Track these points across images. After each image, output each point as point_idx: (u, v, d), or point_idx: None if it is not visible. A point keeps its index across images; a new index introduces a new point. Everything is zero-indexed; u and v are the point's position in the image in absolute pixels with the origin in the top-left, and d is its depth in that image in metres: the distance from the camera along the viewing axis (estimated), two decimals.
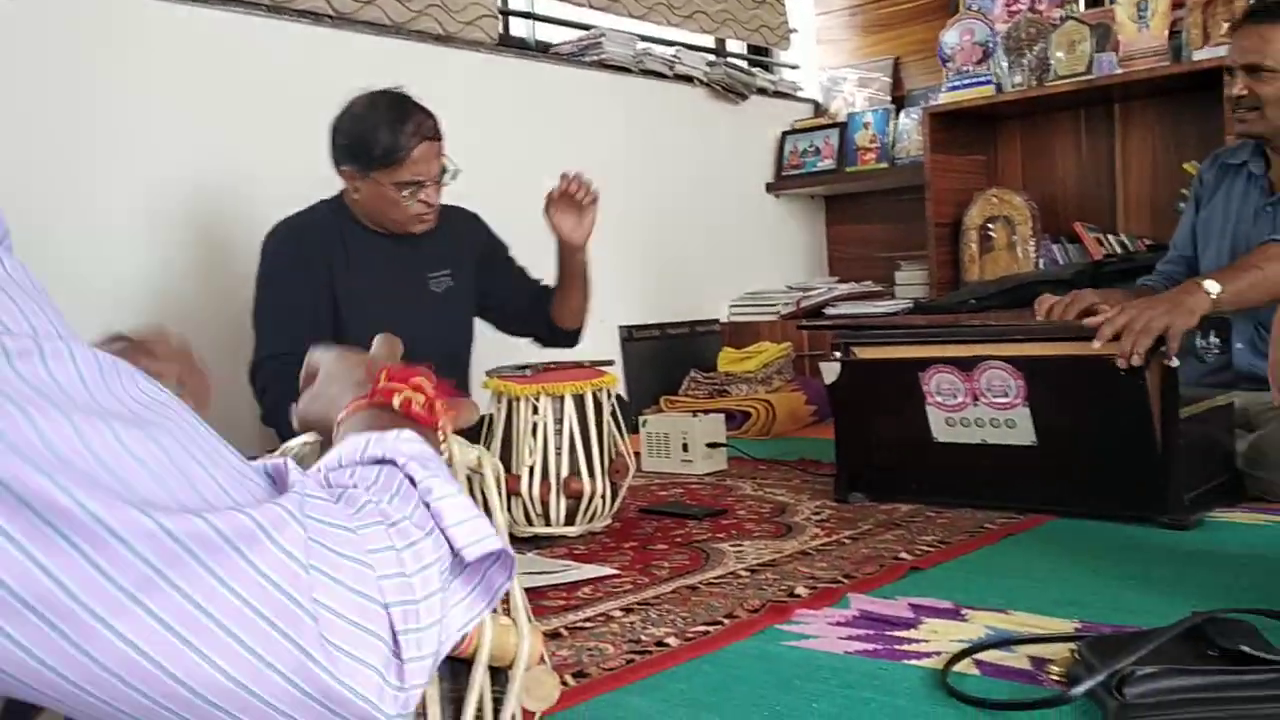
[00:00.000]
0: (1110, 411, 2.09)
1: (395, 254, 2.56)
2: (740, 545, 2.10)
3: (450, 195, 2.60)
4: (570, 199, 2.55)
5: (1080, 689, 1.18)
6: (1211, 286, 2.10)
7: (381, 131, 2.39)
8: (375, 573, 0.57)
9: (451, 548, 0.62)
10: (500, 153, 3.53)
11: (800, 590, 1.75)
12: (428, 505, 0.63)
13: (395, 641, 0.56)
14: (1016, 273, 3.97)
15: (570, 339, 2.79)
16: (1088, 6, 4.13)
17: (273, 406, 2.36)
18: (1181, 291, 2.12)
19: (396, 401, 0.77)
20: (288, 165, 2.95)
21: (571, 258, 2.64)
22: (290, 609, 0.52)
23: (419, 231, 2.52)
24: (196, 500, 0.52)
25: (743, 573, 1.89)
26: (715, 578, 1.86)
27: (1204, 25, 3.64)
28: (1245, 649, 1.15)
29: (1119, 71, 3.75)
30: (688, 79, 4.40)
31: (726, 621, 1.60)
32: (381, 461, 0.65)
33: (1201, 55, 3.59)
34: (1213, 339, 2.18)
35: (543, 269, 2.78)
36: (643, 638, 1.55)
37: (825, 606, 1.66)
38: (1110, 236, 4.01)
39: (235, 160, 2.99)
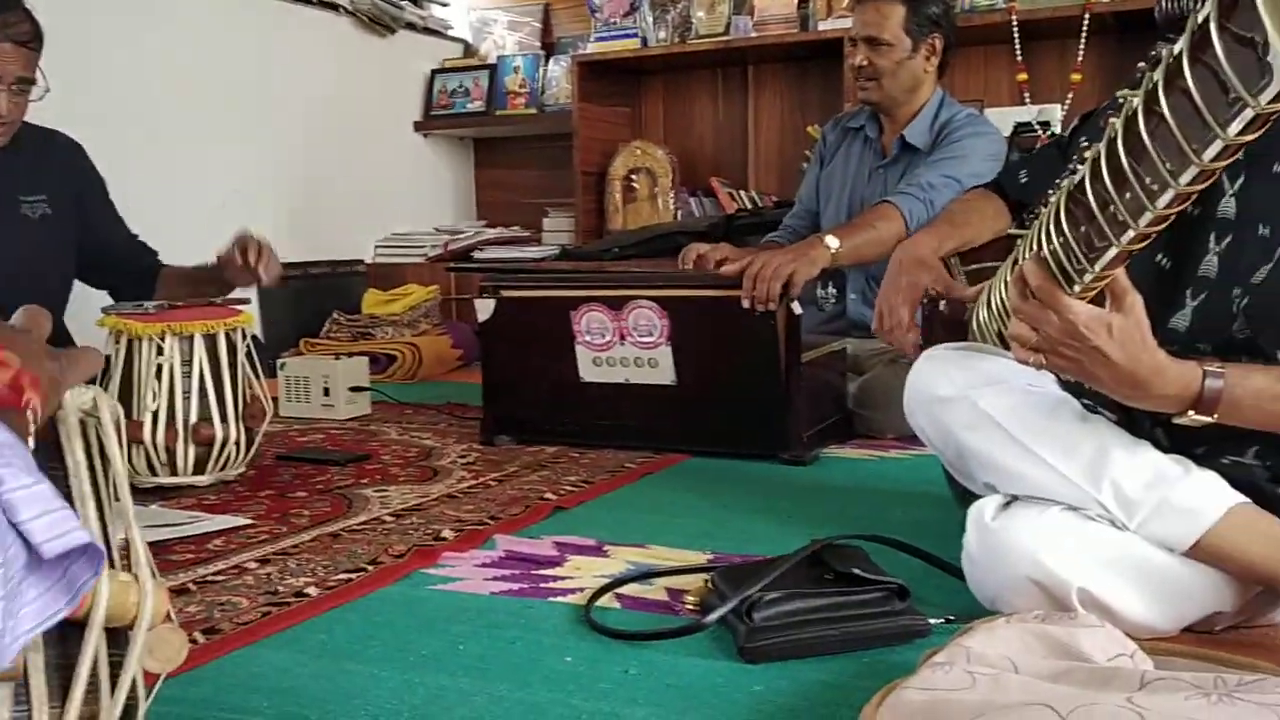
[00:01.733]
0: (742, 353, 2.22)
1: None
2: (385, 490, 2.05)
3: (54, 121, 2.33)
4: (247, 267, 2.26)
5: (713, 616, 1.24)
6: (831, 242, 2.27)
7: None
8: None
9: (28, 543, 0.55)
10: (113, 75, 3.21)
11: (446, 534, 1.73)
12: None
13: None
14: (657, 224, 4.11)
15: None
16: None
17: None
18: (806, 245, 2.28)
19: None
20: None
21: (236, 280, 2.38)
22: None
23: None
24: None
25: (387, 518, 1.85)
26: (358, 524, 1.81)
27: None
28: (857, 572, 1.26)
29: (754, 35, 3.96)
30: (333, 6, 4.19)
31: (370, 568, 1.56)
32: None
33: (826, 26, 3.85)
34: (830, 289, 2.36)
35: (152, 212, 2.53)
36: (280, 589, 1.48)
37: (471, 549, 1.66)
38: (742, 192, 4.25)
39: None
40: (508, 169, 4.83)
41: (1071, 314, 1.08)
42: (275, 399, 2.21)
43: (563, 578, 1.52)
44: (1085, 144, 1.12)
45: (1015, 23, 3.53)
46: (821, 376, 2.34)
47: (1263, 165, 1.25)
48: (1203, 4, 0.88)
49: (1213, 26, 0.84)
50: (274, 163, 3.91)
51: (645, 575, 1.48)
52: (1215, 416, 1.11)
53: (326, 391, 2.86)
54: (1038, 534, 1.21)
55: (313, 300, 3.99)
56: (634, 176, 4.28)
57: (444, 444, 2.49)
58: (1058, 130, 3.52)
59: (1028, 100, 3.69)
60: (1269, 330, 1.22)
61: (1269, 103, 0.81)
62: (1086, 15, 3.44)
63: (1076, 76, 3.60)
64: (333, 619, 1.38)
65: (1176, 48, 0.91)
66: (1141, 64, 1.00)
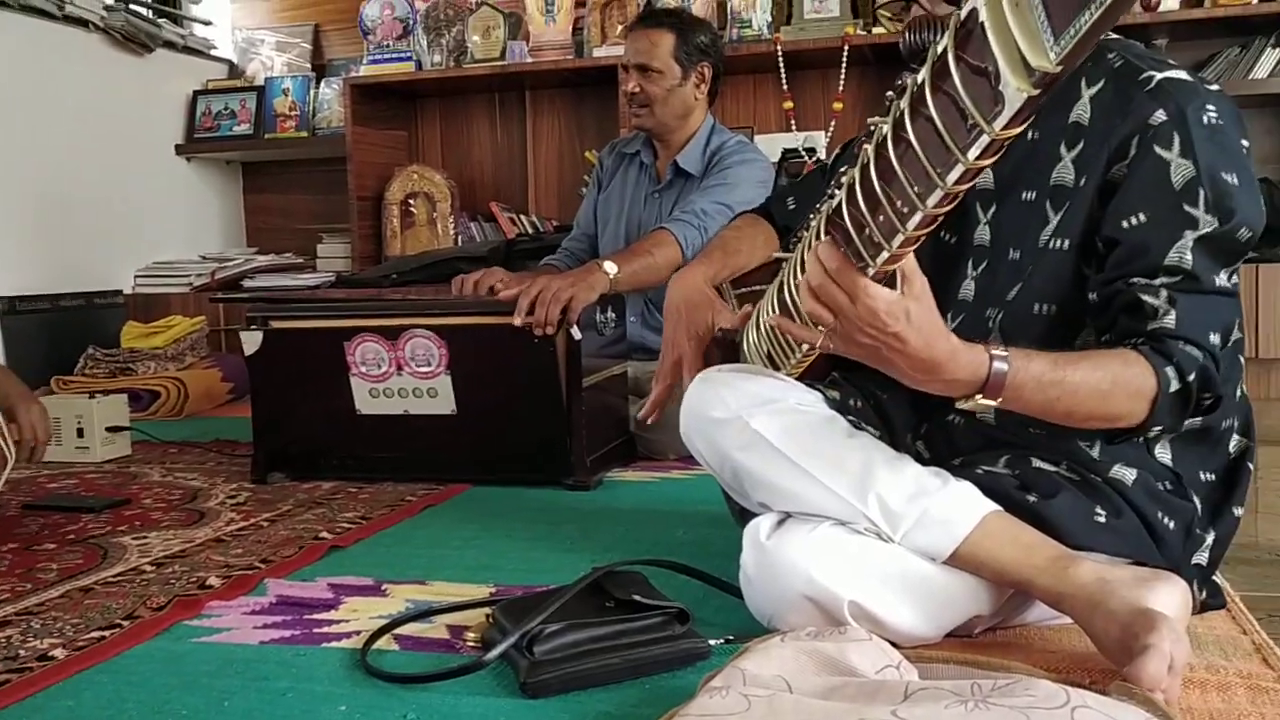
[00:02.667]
0: (523, 380, 2.20)
1: None
2: (145, 537, 1.92)
3: None
4: None
5: (494, 653, 1.21)
6: (610, 267, 2.29)
7: None
8: None
9: None
10: None
11: (213, 581, 1.63)
12: None
13: None
14: (437, 249, 4.05)
15: None
16: None
17: None
18: (585, 270, 2.28)
19: None
20: None
21: None
22: None
23: None
24: None
25: (147, 568, 1.73)
26: (114, 576, 1.68)
27: (602, 25, 3.95)
28: (637, 598, 1.25)
29: (529, 61, 3.96)
30: (82, 22, 3.94)
31: (126, 624, 1.45)
32: None
33: (601, 53, 3.90)
34: (609, 314, 2.36)
35: None
36: (22, 653, 1.35)
37: (240, 596, 1.57)
38: (522, 216, 4.24)
39: None
40: (279, 194, 4.66)
41: (869, 299, 1.07)
42: (18, 443, 2.04)
43: (338, 621, 1.45)
44: (843, 171, 1.15)
45: (780, 53, 3.66)
46: (603, 400, 2.34)
47: (1013, 195, 1.33)
48: (941, 37, 0.92)
49: (950, 58, 0.88)
50: (19, 188, 3.64)
51: (424, 613, 1.43)
52: (1000, 400, 1.13)
53: (81, 433, 2.67)
54: (809, 550, 1.24)
55: (65, 334, 3.73)
56: (412, 201, 4.20)
57: (212, 484, 2.36)
58: (823, 156, 3.67)
59: (794, 127, 3.83)
60: (1020, 343, 1.29)
61: (1003, 129, 0.85)
62: (846, 47, 3.60)
63: (839, 105, 3.77)
64: (81, 683, 1.27)
65: (919, 77, 0.95)
66: (890, 93, 1.04)
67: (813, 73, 3.88)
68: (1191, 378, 1.17)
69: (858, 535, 1.25)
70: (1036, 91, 0.80)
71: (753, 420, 1.33)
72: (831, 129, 3.79)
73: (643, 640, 1.22)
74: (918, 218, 1.00)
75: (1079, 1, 0.73)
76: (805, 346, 1.37)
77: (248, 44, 4.68)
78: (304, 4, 4.63)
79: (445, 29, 4.15)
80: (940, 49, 0.90)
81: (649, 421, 1.72)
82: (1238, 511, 1.34)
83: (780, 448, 1.30)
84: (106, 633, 1.42)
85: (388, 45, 4.15)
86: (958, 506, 1.25)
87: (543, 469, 2.23)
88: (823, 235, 1.18)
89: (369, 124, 4.19)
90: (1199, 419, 1.24)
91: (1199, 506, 1.32)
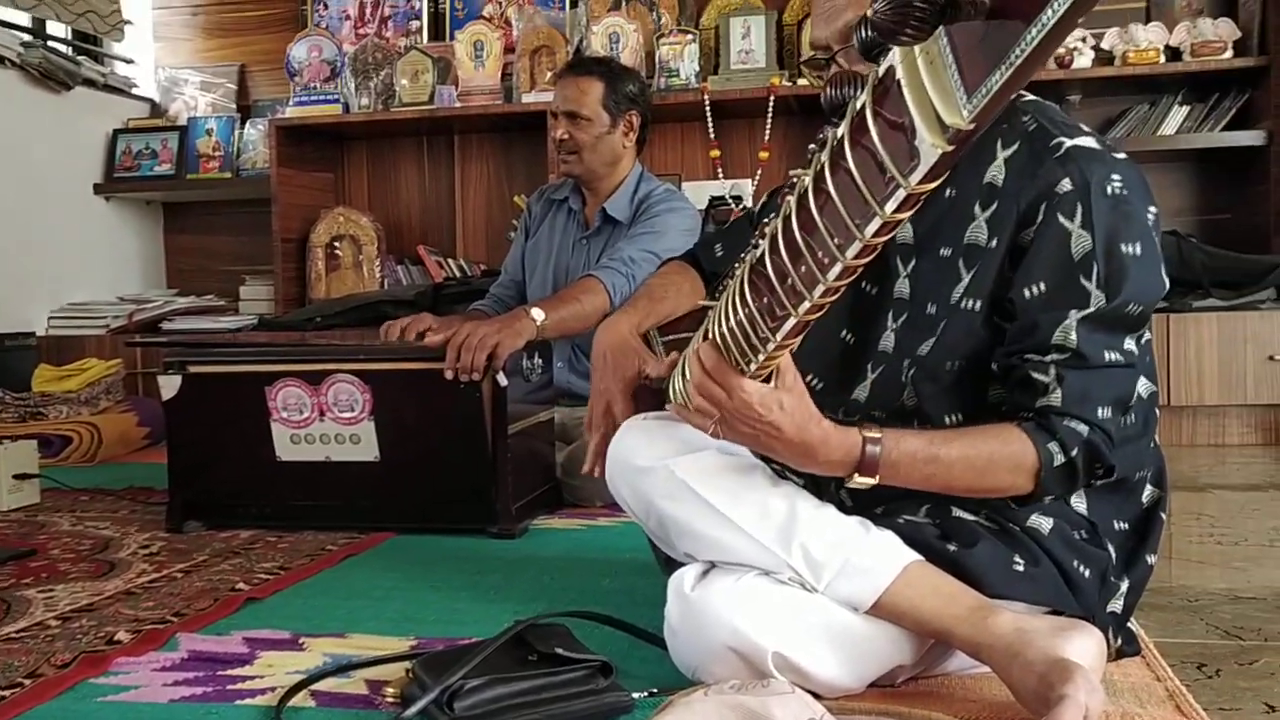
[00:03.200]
0: (448, 426, 2.18)
1: None
2: (51, 590, 1.85)
3: None
4: None
5: (413, 709, 1.18)
6: (537, 314, 2.28)
7: None
8: None
9: None
10: None
11: (121, 636, 1.58)
12: None
13: None
14: (362, 292, 4.02)
15: None
16: (430, 39, 4.31)
17: None
18: (511, 317, 2.27)
19: None
20: None
21: None
22: None
23: None
24: None
25: (52, 622, 1.66)
26: (16, 632, 1.62)
27: (531, 71, 3.97)
28: (560, 651, 1.23)
29: (458, 105, 3.96)
30: None
31: (27, 683, 1.39)
32: None
33: (530, 98, 3.91)
34: (536, 360, 2.35)
35: None
36: None
37: (150, 651, 1.52)
38: (450, 260, 4.22)
39: None
40: (201, 235, 4.59)
41: (745, 393, 1.15)
42: None
43: (252, 677, 1.41)
44: (767, 221, 1.17)
45: (708, 102, 3.71)
46: (530, 447, 2.32)
47: (931, 250, 1.35)
48: (860, 92, 0.93)
49: (869, 113, 0.89)
50: None
51: (343, 668, 1.40)
52: (878, 478, 1.20)
53: None
54: (733, 601, 1.23)
55: None
56: (337, 244, 4.16)
57: (124, 533, 2.29)
58: (749, 203, 3.72)
59: (721, 175, 3.88)
60: (932, 393, 1.31)
61: (918, 183, 0.86)
62: (772, 97, 3.66)
63: (765, 154, 3.82)
64: None
65: (839, 132, 0.96)
66: (812, 145, 1.05)
67: (739, 121, 3.94)
68: (1075, 453, 1.21)
69: (782, 586, 1.25)
70: (951, 147, 0.82)
71: (677, 469, 1.33)
72: (758, 177, 3.84)
73: (565, 695, 1.21)
74: (838, 268, 1.01)
75: (991, 61, 0.74)
76: None
77: (171, 83, 4.62)
78: (229, 44, 4.60)
79: (373, 72, 4.14)
80: (859, 104, 0.92)
81: (595, 474, 1.69)
82: (1151, 559, 1.37)
83: (705, 496, 1.30)
84: (7, 692, 1.36)
85: (315, 87, 4.13)
86: (879, 556, 1.25)
87: (467, 517, 2.20)
88: (747, 284, 1.18)
89: (295, 165, 4.15)
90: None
91: (1114, 555, 1.34)
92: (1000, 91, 0.75)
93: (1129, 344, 1.26)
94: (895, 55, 0.85)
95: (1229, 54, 3.46)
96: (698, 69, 3.80)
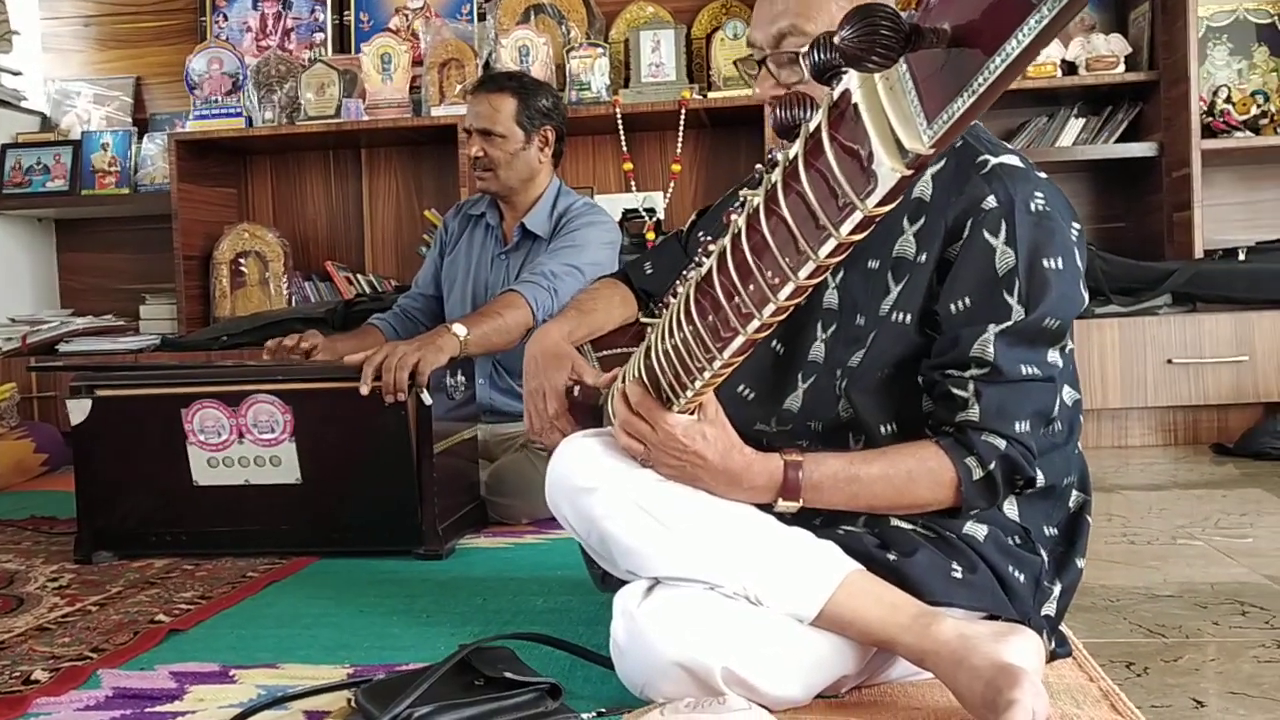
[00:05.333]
0: (372, 445, 2.14)
1: None
2: None
3: None
4: None
5: None
6: (460, 330, 2.25)
7: None
8: None
9: None
10: None
11: (39, 675, 1.51)
12: None
13: None
14: (270, 310, 3.93)
15: None
16: (335, 52, 4.25)
17: None
18: (434, 334, 2.24)
19: None
20: None
21: None
22: None
23: None
24: None
25: None
26: None
27: (440, 84, 3.94)
28: (509, 675, 1.22)
29: (366, 118, 3.90)
30: None
31: None
32: None
33: (439, 112, 3.87)
34: (459, 377, 2.32)
35: None
36: None
37: (70, 689, 1.46)
38: (360, 276, 4.15)
39: None
40: (97, 253, 4.44)
41: (668, 426, 1.22)
42: None
43: (184, 713, 1.36)
44: (708, 239, 1.17)
45: (619, 116, 3.72)
46: (454, 465, 2.29)
47: (860, 261, 1.38)
48: (812, 114, 0.95)
49: (825, 135, 0.90)
50: None
51: (278, 700, 1.36)
52: (802, 501, 1.25)
53: None
54: (680, 617, 1.23)
55: None
56: (242, 260, 4.07)
57: (29, 566, 2.20)
58: (662, 216, 3.74)
59: (634, 188, 3.89)
60: (865, 404, 1.34)
61: (875, 206, 0.88)
62: (683, 110, 3.69)
63: (677, 166, 3.85)
64: None
65: (791, 153, 0.97)
66: (760, 165, 1.06)
67: (651, 135, 3.96)
68: (992, 466, 1.26)
69: (727, 600, 1.25)
70: (910, 172, 0.83)
71: (619, 487, 1.32)
72: (671, 190, 3.86)
73: (516, 718, 1.19)
74: (789, 288, 1.02)
75: (953, 88, 0.76)
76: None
77: (62, 96, 4.46)
78: (124, 56, 4.46)
79: (277, 85, 4.06)
80: (814, 126, 0.93)
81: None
82: (1080, 563, 1.41)
83: (650, 512, 1.29)
84: None
85: (216, 100, 4.03)
86: (821, 566, 1.27)
87: (393, 538, 2.17)
88: (693, 302, 1.19)
89: (196, 180, 4.05)
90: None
91: (1046, 559, 1.37)
92: (962, 118, 0.77)
93: (1052, 356, 1.30)
94: (853, 80, 0.87)
95: (1121, 69, 3.60)
96: (608, 82, 3.80)
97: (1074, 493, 1.42)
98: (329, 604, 1.86)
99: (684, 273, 1.27)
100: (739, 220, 1.08)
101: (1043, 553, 1.37)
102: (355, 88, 4.03)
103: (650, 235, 3.66)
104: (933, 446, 1.26)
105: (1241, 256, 3.34)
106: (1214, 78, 3.75)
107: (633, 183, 3.91)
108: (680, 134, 3.77)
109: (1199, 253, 3.37)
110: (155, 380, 2.19)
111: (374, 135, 4.04)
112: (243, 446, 2.14)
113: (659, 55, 3.82)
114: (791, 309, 1.06)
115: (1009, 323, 1.26)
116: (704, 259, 1.19)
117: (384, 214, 4.26)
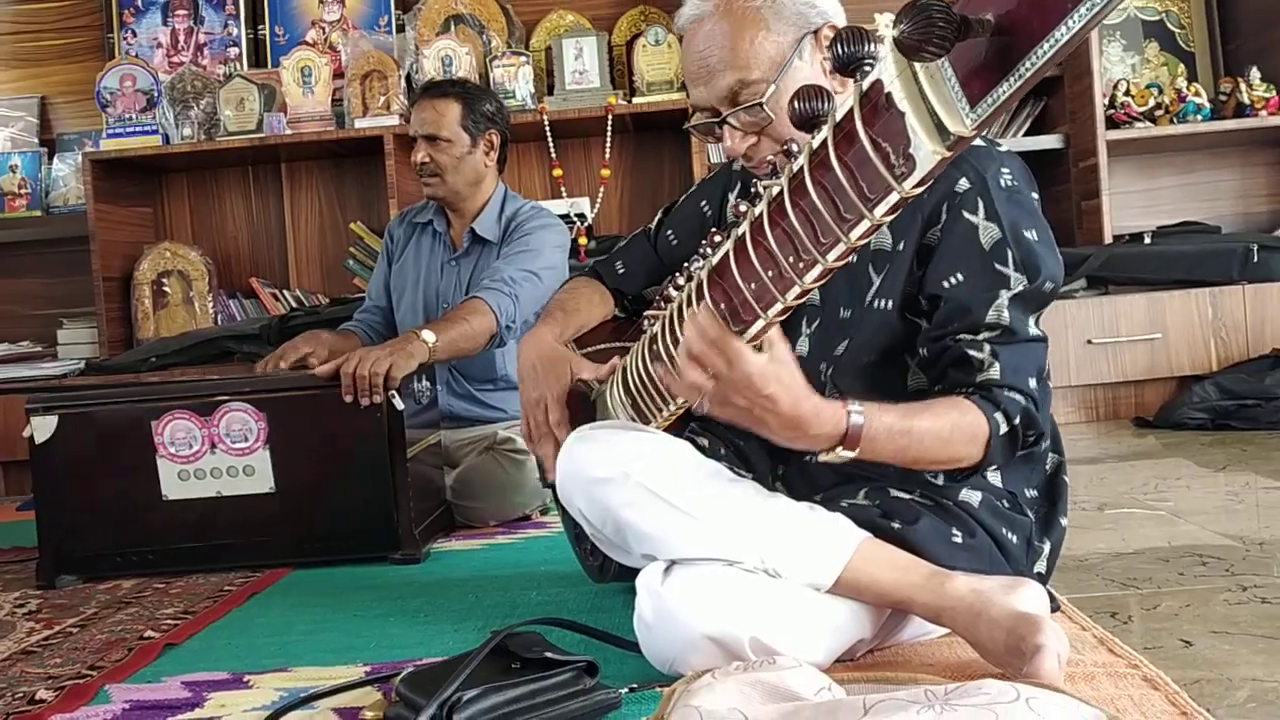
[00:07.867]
0: (347, 452, 2.15)
1: None
2: None
3: None
4: None
5: None
6: (429, 336, 2.27)
7: None
8: None
9: None
10: None
11: (44, 694, 1.50)
12: None
13: None
14: (198, 329, 3.87)
15: None
16: (251, 66, 4.20)
17: None
18: (403, 340, 2.26)
19: None
20: None
21: None
22: None
23: None
24: None
25: None
26: None
27: (363, 96, 3.92)
28: (549, 655, 1.26)
29: (289, 133, 3.87)
30: None
31: None
32: None
33: (363, 124, 3.86)
34: (425, 383, 2.34)
35: None
36: None
37: (81, 706, 1.45)
38: (285, 292, 4.11)
39: None
40: (9, 278, 4.30)
41: (747, 366, 1.15)
42: None
43: (212, 718, 1.37)
44: (709, 238, 1.24)
45: (547, 122, 3.76)
46: (423, 470, 2.31)
47: None
48: (827, 105, 1.02)
49: (858, 123, 0.97)
50: None
51: (309, 699, 1.37)
52: (859, 451, 1.23)
53: None
54: (706, 592, 1.28)
55: None
56: (165, 280, 4.00)
57: None
58: (590, 221, 3.79)
59: (564, 193, 3.93)
60: (850, 389, 1.40)
61: (913, 187, 0.95)
62: (610, 116, 3.74)
63: (606, 171, 3.90)
64: None
65: (817, 140, 1.04)
66: (771, 158, 1.12)
67: (577, 141, 4.00)
68: (1017, 420, 1.32)
69: (748, 574, 1.31)
70: (949, 154, 0.91)
71: (635, 475, 1.36)
72: (600, 194, 3.91)
73: (559, 696, 1.23)
74: (817, 270, 1.09)
75: (998, 74, 0.83)
76: (680, 400, 1.42)
77: None
78: (28, 75, 4.34)
79: (193, 101, 4.00)
80: (844, 114, 1.00)
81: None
82: (1064, 521, 1.50)
83: (667, 498, 1.33)
84: None
85: (130, 118, 3.95)
86: (834, 536, 1.33)
87: (368, 544, 2.18)
88: (706, 292, 1.25)
89: (112, 200, 3.97)
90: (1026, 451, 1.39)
91: (1032, 519, 1.47)
92: (1006, 101, 0.84)
93: (1039, 321, 1.40)
94: (886, 71, 0.93)
95: None
96: (533, 90, 3.84)
97: (1050, 455, 1.51)
98: (321, 610, 1.86)
99: (686, 265, 1.32)
100: (755, 209, 1.14)
101: (1029, 514, 1.46)
102: (275, 102, 3.99)
103: (583, 240, 3.70)
104: (967, 401, 1.30)
105: (1148, 240, 3.53)
106: (1110, 72, 3.96)
107: (563, 188, 3.95)
108: (608, 139, 3.82)
109: (1108, 238, 3.55)
110: (123, 395, 2.16)
111: (295, 149, 4.00)
112: (215, 457, 2.13)
113: (582, 62, 3.87)
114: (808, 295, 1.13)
115: (1016, 289, 1.34)
116: (709, 250, 1.25)
117: (307, 229, 4.22)
